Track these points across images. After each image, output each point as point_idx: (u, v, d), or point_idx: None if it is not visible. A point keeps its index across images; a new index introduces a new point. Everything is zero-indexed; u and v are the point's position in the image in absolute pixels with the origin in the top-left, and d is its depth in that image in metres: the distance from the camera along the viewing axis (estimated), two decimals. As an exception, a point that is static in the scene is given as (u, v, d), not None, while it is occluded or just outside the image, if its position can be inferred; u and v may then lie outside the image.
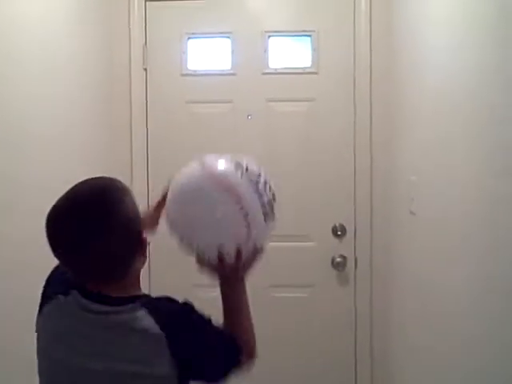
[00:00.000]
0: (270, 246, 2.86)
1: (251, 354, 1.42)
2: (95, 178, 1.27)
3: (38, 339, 1.30)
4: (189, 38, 2.96)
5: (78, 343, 1.23)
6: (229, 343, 1.35)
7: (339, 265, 2.91)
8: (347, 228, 2.91)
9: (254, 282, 2.87)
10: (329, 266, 2.92)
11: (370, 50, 2.85)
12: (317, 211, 2.92)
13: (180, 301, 1.31)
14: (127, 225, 1.22)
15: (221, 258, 1.34)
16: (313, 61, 2.92)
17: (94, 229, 1.16)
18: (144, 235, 1.27)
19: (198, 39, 2.98)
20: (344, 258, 2.91)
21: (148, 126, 2.96)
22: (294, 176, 2.92)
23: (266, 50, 2.93)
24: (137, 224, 1.26)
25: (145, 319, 1.21)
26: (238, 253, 1.35)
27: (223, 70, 2.97)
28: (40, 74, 2.01)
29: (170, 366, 1.20)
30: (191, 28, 2.95)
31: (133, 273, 1.28)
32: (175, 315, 1.26)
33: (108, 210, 1.20)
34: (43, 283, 1.37)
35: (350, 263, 2.92)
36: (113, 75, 2.91)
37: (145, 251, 1.27)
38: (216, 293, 1.43)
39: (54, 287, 1.32)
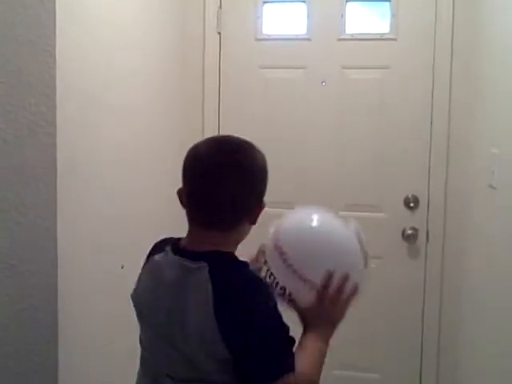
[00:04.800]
0: (340, 215, 2.86)
1: None
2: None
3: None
4: (264, 3, 2.91)
5: (161, 295, 1.24)
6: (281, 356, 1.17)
7: (410, 237, 2.84)
8: (420, 200, 2.83)
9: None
10: (399, 238, 2.86)
11: (453, 16, 2.71)
12: (389, 181, 2.86)
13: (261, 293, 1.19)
14: (253, 179, 1.25)
15: (326, 285, 1.27)
16: (391, 26, 2.81)
17: (225, 169, 1.22)
18: (262, 205, 1.27)
19: (273, 4, 2.94)
20: (415, 230, 2.84)
21: (220, 90, 2.96)
22: (366, 144, 2.86)
23: (342, 15, 2.85)
24: (261, 186, 1.28)
25: (203, 283, 1.17)
26: (345, 280, 1.31)
27: (298, 35, 2.91)
28: (115, 39, 2.03)
29: (217, 341, 1.12)
30: (267, -8, 2.91)
31: (236, 233, 1.27)
32: (239, 294, 1.17)
33: (244, 158, 1.25)
34: None
35: (422, 236, 2.84)
36: (187, 38, 2.91)
37: (255, 219, 1.26)
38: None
39: (152, 253, 1.34)
